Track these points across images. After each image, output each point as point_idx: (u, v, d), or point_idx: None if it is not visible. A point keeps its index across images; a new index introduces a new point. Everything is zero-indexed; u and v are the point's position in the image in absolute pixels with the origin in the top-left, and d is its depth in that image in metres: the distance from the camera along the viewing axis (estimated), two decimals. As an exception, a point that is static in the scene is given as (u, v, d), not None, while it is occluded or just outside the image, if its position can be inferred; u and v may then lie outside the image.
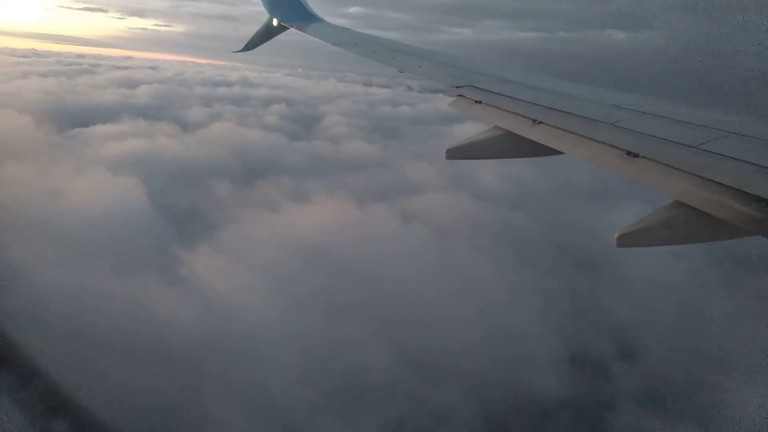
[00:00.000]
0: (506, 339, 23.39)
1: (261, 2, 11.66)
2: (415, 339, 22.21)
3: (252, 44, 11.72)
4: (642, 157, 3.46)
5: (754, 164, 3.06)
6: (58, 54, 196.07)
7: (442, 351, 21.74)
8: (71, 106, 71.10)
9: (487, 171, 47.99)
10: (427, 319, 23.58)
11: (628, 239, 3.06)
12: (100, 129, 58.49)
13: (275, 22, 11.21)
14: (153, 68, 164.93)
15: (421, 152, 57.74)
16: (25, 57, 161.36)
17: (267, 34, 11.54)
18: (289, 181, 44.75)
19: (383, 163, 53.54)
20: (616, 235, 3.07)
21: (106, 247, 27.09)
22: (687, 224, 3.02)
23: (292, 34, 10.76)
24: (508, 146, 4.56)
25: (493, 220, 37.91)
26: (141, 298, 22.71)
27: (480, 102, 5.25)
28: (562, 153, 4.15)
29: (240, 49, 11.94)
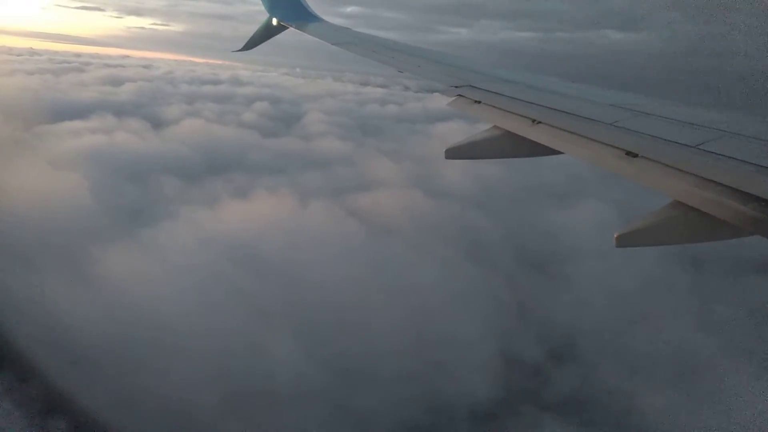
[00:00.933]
0: (439, 342, 22.49)
1: (260, 2, 11.65)
2: (341, 343, 21.13)
3: (251, 44, 11.72)
4: (641, 157, 3.46)
5: (753, 164, 3.06)
6: (55, 53, 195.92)
7: (370, 355, 20.73)
8: (47, 103, 70.32)
9: (453, 169, 47.17)
10: (356, 321, 22.53)
11: (627, 239, 3.06)
12: (66, 125, 57.92)
13: (275, 21, 11.21)
14: (146, 67, 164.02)
15: (393, 150, 57.85)
16: (19, 55, 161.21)
17: (266, 33, 11.54)
18: (242, 177, 43.96)
19: (348, 160, 52.94)
20: (615, 235, 3.07)
21: (27, 242, 26.17)
22: (686, 224, 3.03)
23: (293, 34, 10.76)
24: (508, 146, 4.57)
25: (445, 219, 37.08)
26: (44, 295, 21.83)
27: (479, 102, 5.25)
28: (562, 153, 4.15)
29: (239, 48, 11.94)
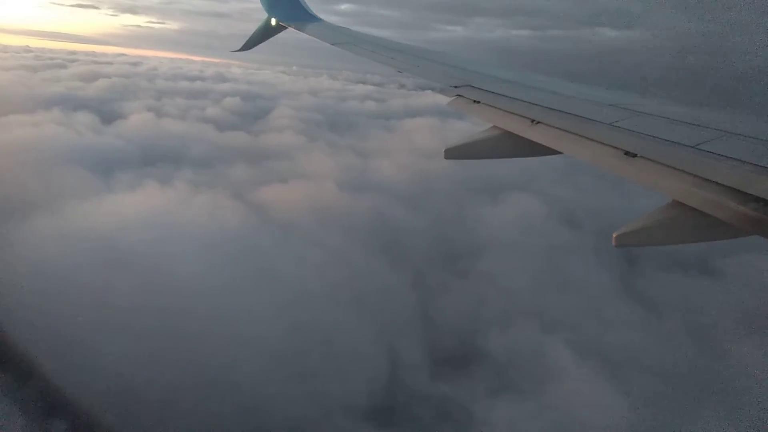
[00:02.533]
0: (318, 346, 20.90)
1: (259, 1, 11.66)
2: (200, 348, 19.10)
3: (250, 44, 11.74)
4: (640, 156, 3.46)
5: (752, 164, 3.06)
6: (50, 51, 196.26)
7: (233, 362, 19.02)
8: (6, 97, 68.79)
9: (396, 165, 46.45)
10: (225, 324, 20.65)
11: (626, 239, 3.06)
12: (9, 119, 56.03)
13: (273, 21, 11.22)
14: (134, 64, 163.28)
15: (349, 145, 57.65)
16: (6, 52, 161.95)
17: (265, 33, 11.56)
18: (159, 171, 42.06)
19: (288, 154, 51.51)
20: (614, 235, 3.07)
21: None
22: (685, 224, 3.03)
23: (295, 32, 10.77)
24: (507, 146, 4.57)
25: (360, 215, 35.20)
26: None
27: (478, 102, 5.25)
28: (561, 153, 4.15)
29: (239, 48, 11.95)
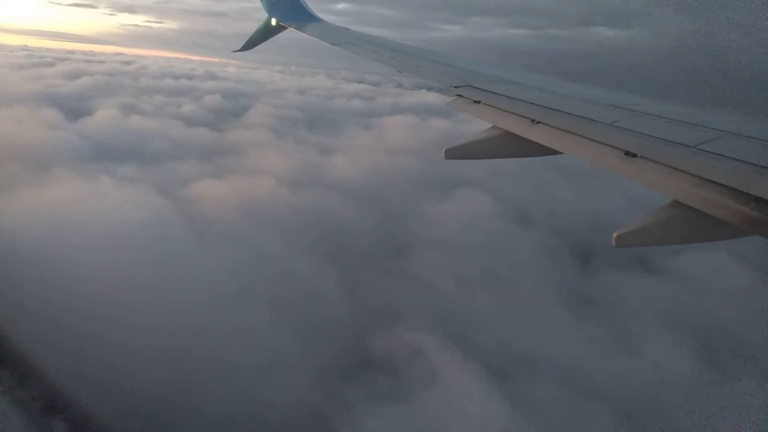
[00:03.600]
0: (219, 350, 19.79)
1: (259, 1, 11.67)
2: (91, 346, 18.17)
3: (251, 44, 11.74)
4: (640, 157, 3.46)
5: (753, 164, 3.06)
6: (48, 50, 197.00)
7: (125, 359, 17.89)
8: None
9: (355, 162, 45.94)
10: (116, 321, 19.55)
11: (626, 239, 3.06)
12: None
13: (274, 21, 11.22)
14: (127, 63, 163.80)
15: (318, 142, 57.49)
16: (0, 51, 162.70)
17: (266, 33, 11.56)
18: (95, 168, 40.71)
19: (243, 151, 50.83)
20: (614, 235, 3.07)
21: None
22: (685, 224, 3.03)
23: (295, 33, 10.76)
24: (507, 146, 4.57)
25: (298, 211, 34.30)
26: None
27: (479, 102, 5.25)
28: (561, 153, 4.16)
29: (239, 48, 11.96)
